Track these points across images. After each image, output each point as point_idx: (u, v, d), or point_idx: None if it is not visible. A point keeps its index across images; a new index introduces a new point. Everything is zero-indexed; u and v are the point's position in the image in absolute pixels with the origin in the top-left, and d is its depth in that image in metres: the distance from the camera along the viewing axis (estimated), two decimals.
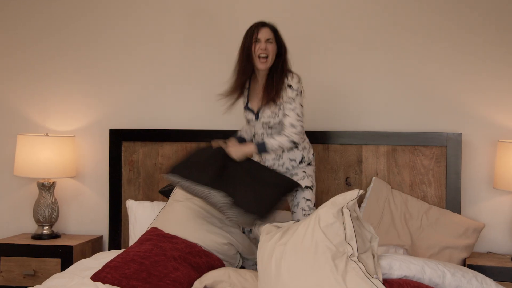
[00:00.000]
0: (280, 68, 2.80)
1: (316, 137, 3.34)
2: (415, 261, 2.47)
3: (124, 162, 3.57)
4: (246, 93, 2.97)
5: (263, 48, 2.77)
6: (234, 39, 3.54)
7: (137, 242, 2.90)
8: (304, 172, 2.91)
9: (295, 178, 2.90)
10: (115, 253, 2.98)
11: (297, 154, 2.90)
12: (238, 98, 2.93)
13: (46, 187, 3.54)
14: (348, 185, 3.34)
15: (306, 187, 2.86)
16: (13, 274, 3.36)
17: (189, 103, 3.60)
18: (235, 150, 2.82)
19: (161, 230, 2.99)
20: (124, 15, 3.68)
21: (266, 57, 2.77)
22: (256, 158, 2.95)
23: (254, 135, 2.97)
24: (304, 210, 2.83)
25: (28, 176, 3.54)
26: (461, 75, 3.32)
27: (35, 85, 3.77)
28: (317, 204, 3.32)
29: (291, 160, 2.90)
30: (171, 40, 3.63)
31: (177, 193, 3.14)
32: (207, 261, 2.81)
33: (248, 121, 2.98)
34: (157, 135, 3.54)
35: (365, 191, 3.26)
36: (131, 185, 3.56)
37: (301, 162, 2.91)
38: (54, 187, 3.58)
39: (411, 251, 3.02)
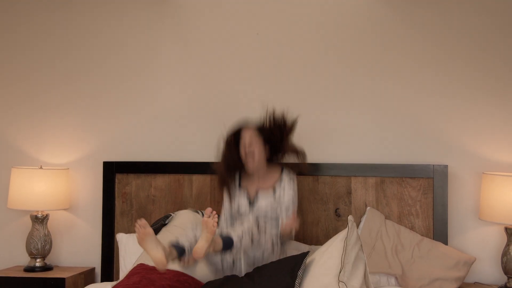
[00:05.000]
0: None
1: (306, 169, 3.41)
2: None
3: (117, 194, 3.61)
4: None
5: (252, 151, 2.88)
6: (227, 71, 3.65)
7: (125, 277, 2.95)
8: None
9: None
10: (107, 285, 3.02)
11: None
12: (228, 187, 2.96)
13: (39, 219, 3.57)
14: (338, 216, 3.39)
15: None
16: None
17: (182, 136, 3.67)
18: None
19: (147, 265, 3.03)
20: (118, 49, 3.76)
21: (253, 160, 2.88)
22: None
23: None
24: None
25: (22, 209, 3.57)
26: (447, 107, 3.41)
27: (29, 118, 3.83)
28: (306, 235, 3.37)
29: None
30: (164, 74, 3.70)
31: (163, 232, 3.20)
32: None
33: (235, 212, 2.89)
34: (150, 168, 3.59)
35: (359, 221, 3.31)
36: (124, 216, 3.60)
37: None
38: (47, 219, 3.61)
39: (402, 281, 3.06)
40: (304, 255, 2.57)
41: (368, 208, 3.32)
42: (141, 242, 2.53)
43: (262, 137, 2.94)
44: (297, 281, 2.44)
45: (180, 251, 2.63)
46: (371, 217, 3.28)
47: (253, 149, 2.90)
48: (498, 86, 3.37)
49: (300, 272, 2.47)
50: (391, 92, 3.47)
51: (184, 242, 2.65)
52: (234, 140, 2.93)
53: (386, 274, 3.08)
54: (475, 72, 3.40)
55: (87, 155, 3.76)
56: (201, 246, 2.49)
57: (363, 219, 3.29)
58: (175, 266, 2.80)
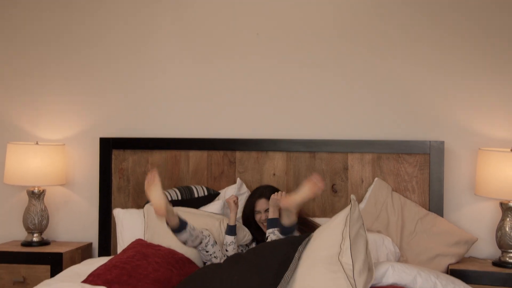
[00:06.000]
0: None
1: (303, 145, 3.42)
2: (408, 271, 2.56)
3: (114, 170, 3.61)
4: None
5: (264, 218, 3.01)
6: (225, 48, 3.64)
7: (121, 251, 3.01)
8: None
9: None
10: (104, 259, 3.04)
11: None
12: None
13: (36, 195, 3.57)
14: (334, 192, 3.41)
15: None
16: (2, 281, 3.38)
17: (178, 112, 3.66)
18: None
19: (144, 241, 3.07)
20: (115, 25, 3.73)
21: None
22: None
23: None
24: None
25: (18, 184, 3.57)
26: (444, 84, 3.42)
27: (25, 93, 3.81)
28: (302, 211, 3.39)
29: None
30: (162, 50, 3.69)
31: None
32: (189, 267, 2.89)
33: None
34: (147, 144, 3.59)
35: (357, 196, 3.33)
36: (121, 192, 3.60)
37: None
38: (44, 194, 3.61)
39: (401, 254, 3.12)
40: (307, 235, 2.58)
41: (376, 178, 3.34)
42: (148, 188, 2.73)
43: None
44: (296, 254, 2.45)
45: (181, 224, 2.79)
46: (378, 188, 3.30)
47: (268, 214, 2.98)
48: (496, 63, 3.38)
49: (300, 248, 2.49)
50: (388, 69, 3.47)
51: (186, 220, 2.82)
52: (250, 206, 3.11)
53: (383, 235, 3.14)
54: (472, 48, 3.40)
55: (83, 131, 3.75)
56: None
57: (370, 189, 3.32)
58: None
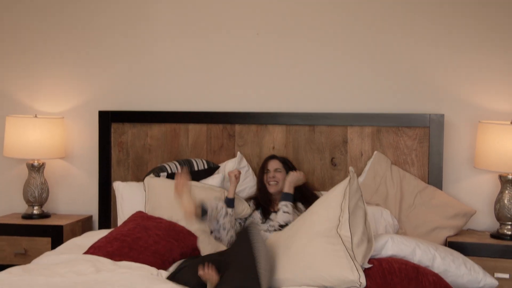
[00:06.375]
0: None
1: (302, 118, 3.41)
2: (408, 243, 2.58)
3: (113, 143, 3.61)
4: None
5: (272, 176, 3.06)
6: (224, 20, 3.60)
7: (122, 224, 3.04)
8: None
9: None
10: (105, 232, 3.06)
11: None
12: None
13: (36, 168, 3.58)
14: (334, 165, 3.41)
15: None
16: (4, 253, 3.41)
17: (177, 85, 3.65)
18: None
19: (145, 213, 3.08)
20: None
21: (276, 183, 3.03)
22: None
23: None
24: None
25: (18, 157, 3.57)
26: (443, 56, 3.40)
27: (24, 66, 3.79)
28: None
29: None
30: (161, 23, 3.66)
31: None
32: (190, 239, 2.91)
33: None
34: (146, 117, 3.58)
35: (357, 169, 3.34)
36: (120, 166, 3.61)
37: None
38: (44, 167, 3.62)
39: (400, 227, 3.15)
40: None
41: (375, 152, 3.34)
42: (178, 191, 2.80)
43: (285, 169, 3.11)
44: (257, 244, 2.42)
45: (203, 211, 2.83)
46: (378, 161, 3.30)
47: (277, 174, 3.07)
48: (496, 36, 3.35)
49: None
50: (389, 42, 3.44)
51: (208, 206, 2.86)
52: (261, 167, 3.17)
53: (381, 207, 3.17)
54: (473, 21, 3.37)
55: (82, 104, 3.74)
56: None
57: (369, 163, 3.32)
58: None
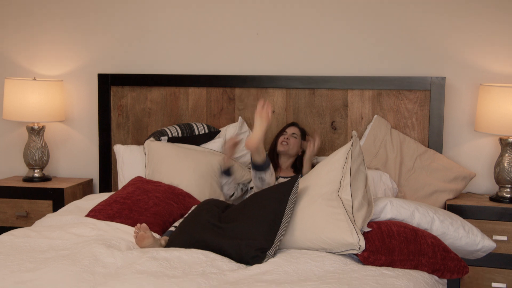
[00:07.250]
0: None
1: (303, 82, 3.39)
2: (407, 206, 2.59)
3: (113, 106, 3.60)
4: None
5: (286, 138, 3.08)
6: None
7: (122, 187, 3.06)
8: None
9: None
10: (105, 195, 3.08)
11: None
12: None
13: (36, 131, 3.58)
14: (334, 129, 3.41)
15: None
16: (6, 215, 3.44)
17: (177, 47, 3.61)
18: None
19: (145, 178, 3.10)
20: None
21: (287, 145, 3.05)
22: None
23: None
24: None
25: (17, 120, 3.57)
26: (444, 18, 3.35)
27: (22, 29, 3.75)
28: None
29: None
30: None
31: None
32: (190, 202, 2.93)
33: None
34: (146, 80, 3.56)
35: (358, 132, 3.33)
36: (120, 129, 3.60)
37: None
38: (44, 131, 3.62)
39: (399, 190, 3.17)
40: (295, 179, 2.52)
41: (375, 116, 3.32)
42: (260, 116, 2.71)
43: (300, 138, 3.14)
44: (291, 197, 2.43)
45: (266, 161, 2.81)
46: (377, 125, 3.29)
47: (292, 138, 3.09)
48: None
49: (292, 196, 2.44)
50: (389, 4, 3.39)
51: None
52: (280, 131, 3.19)
53: (380, 171, 3.19)
54: None
55: (81, 67, 3.71)
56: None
57: (369, 127, 3.31)
58: None
